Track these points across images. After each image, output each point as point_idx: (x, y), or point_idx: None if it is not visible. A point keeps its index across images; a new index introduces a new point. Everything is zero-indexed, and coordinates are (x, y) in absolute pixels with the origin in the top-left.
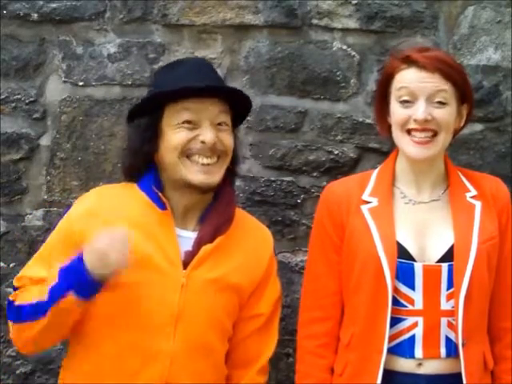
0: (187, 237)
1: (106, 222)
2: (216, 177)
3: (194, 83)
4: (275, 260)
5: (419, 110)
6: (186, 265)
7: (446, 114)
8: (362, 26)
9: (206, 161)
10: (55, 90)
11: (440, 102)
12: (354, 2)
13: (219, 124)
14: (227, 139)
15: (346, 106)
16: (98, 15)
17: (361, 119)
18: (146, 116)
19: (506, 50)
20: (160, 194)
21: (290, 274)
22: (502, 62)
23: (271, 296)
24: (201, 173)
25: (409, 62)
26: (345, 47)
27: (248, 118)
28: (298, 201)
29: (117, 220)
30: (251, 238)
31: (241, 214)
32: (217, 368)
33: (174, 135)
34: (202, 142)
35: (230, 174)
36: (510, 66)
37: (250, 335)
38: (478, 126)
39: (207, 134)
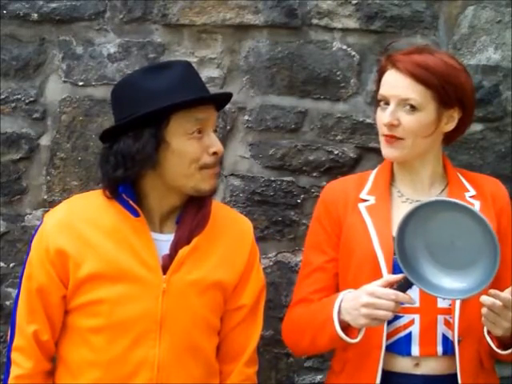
0: (165, 240)
1: (80, 232)
2: (218, 180)
3: (198, 91)
4: (257, 248)
5: (386, 114)
6: (165, 269)
7: (415, 121)
8: (362, 25)
9: (215, 171)
10: (55, 90)
11: (411, 107)
12: (353, 2)
13: (215, 131)
14: (221, 146)
15: (346, 105)
16: (98, 15)
17: (361, 119)
18: (144, 125)
19: (506, 50)
20: (130, 201)
21: (290, 273)
22: (501, 61)
23: (254, 286)
24: (211, 180)
25: (391, 62)
26: (345, 47)
27: (248, 118)
28: (298, 201)
29: (90, 230)
30: (229, 231)
31: (218, 208)
32: (207, 365)
33: (185, 146)
34: (215, 153)
35: None
36: (510, 66)
37: (234, 327)
38: (478, 126)
39: (218, 145)
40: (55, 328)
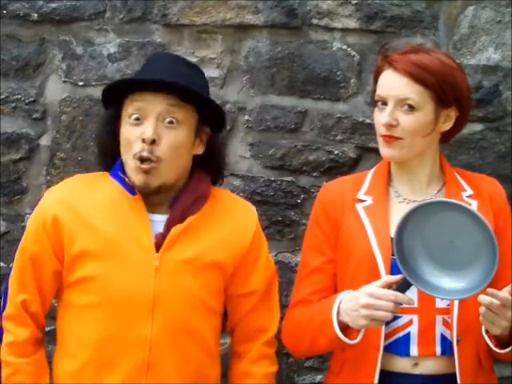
0: (160, 220)
1: (76, 208)
2: (158, 179)
3: (150, 76)
4: (262, 235)
5: (384, 115)
6: (158, 247)
7: (413, 121)
8: (362, 25)
9: (143, 167)
10: (55, 89)
11: (409, 107)
12: (353, 2)
13: (170, 122)
14: (171, 139)
15: (345, 105)
16: (97, 15)
17: (361, 119)
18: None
19: (506, 49)
20: (126, 179)
21: (290, 273)
22: (502, 61)
23: (263, 273)
24: (138, 175)
25: (388, 62)
26: (345, 47)
27: (248, 118)
28: (298, 201)
29: (87, 207)
30: (232, 214)
31: (224, 194)
32: (204, 347)
33: (123, 129)
34: (143, 141)
35: (213, 174)
36: (510, 66)
37: (247, 313)
38: (478, 126)
39: (148, 132)
40: (45, 301)
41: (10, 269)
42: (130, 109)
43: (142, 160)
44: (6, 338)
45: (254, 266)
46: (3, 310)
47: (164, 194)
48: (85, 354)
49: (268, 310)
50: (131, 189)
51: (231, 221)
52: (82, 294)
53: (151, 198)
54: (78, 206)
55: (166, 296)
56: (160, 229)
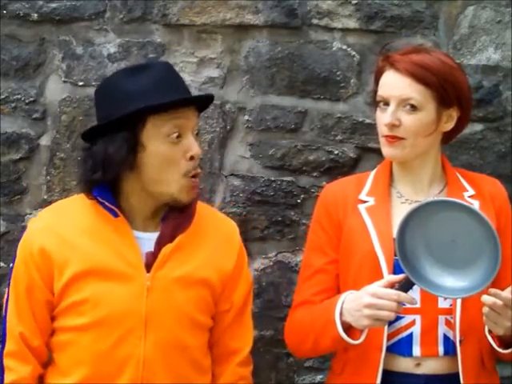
0: (148, 238)
1: (62, 235)
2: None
3: (177, 93)
4: (244, 250)
5: (387, 115)
6: (149, 266)
7: (415, 120)
8: (362, 25)
9: (196, 182)
10: (55, 90)
11: (411, 106)
12: (353, 2)
13: (196, 134)
14: (200, 151)
15: (345, 106)
16: (97, 15)
17: (361, 119)
18: (119, 128)
19: (506, 49)
20: (107, 203)
21: (290, 273)
22: (502, 61)
23: (243, 288)
24: (190, 192)
25: (389, 62)
26: (345, 47)
27: (248, 118)
28: (298, 201)
29: (71, 232)
30: (216, 231)
31: (204, 209)
32: (193, 362)
33: (161, 149)
34: (192, 158)
35: None
36: (510, 66)
37: (225, 329)
38: (478, 126)
39: (195, 148)
40: (44, 332)
41: (7, 302)
42: (167, 127)
43: (193, 177)
44: (8, 377)
45: (237, 283)
46: (3, 348)
47: (157, 212)
48: (79, 374)
49: (242, 327)
50: (113, 211)
51: (217, 239)
52: (75, 316)
53: (143, 216)
54: (62, 231)
55: (158, 313)
56: (148, 247)
